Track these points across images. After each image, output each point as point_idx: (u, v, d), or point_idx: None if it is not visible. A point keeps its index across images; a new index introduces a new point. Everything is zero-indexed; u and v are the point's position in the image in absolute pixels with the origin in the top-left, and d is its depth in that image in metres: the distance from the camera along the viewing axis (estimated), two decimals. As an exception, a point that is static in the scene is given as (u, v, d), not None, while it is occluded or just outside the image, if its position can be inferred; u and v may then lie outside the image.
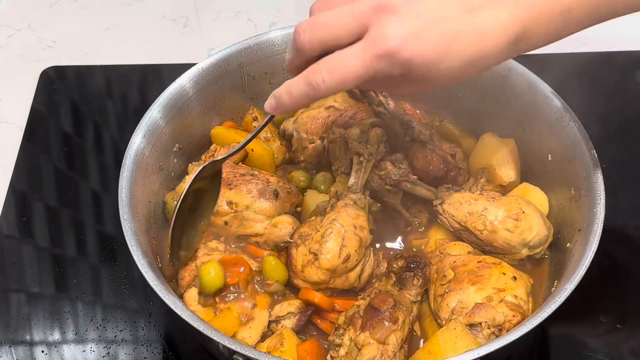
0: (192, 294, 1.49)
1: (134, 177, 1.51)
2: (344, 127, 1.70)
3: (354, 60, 1.13)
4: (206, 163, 1.46)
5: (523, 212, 1.51)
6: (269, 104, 1.25)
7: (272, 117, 1.34)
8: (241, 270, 1.49)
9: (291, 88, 1.20)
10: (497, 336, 1.38)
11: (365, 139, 1.64)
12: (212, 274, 1.46)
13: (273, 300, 1.50)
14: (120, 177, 1.49)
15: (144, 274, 1.35)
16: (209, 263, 1.49)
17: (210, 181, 1.49)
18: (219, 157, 1.48)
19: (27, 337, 1.61)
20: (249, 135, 1.42)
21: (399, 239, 1.63)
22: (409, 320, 1.42)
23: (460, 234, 1.58)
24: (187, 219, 1.48)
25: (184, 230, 1.49)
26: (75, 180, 1.90)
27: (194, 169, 1.67)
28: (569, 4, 1.20)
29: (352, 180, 1.60)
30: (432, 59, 1.13)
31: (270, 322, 1.47)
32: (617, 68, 2.08)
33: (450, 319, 1.41)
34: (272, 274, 1.50)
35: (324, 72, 1.15)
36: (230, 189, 1.58)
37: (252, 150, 1.69)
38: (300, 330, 1.48)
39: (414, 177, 1.63)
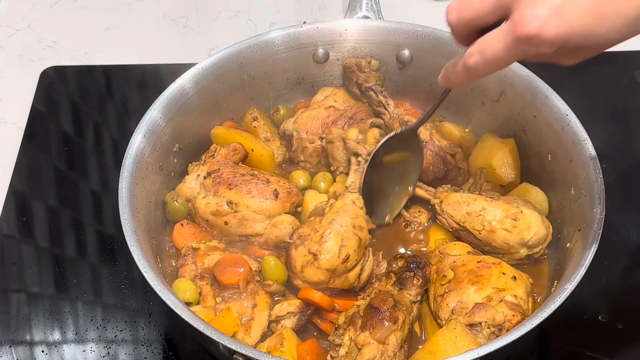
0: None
1: (134, 177, 1.51)
2: (342, 128, 1.70)
3: (499, 45, 1.14)
4: (391, 135, 1.58)
5: (521, 211, 1.51)
6: (441, 76, 1.30)
7: (447, 90, 1.43)
8: (241, 271, 1.49)
9: (455, 66, 1.25)
10: (497, 336, 1.38)
11: (364, 139, 1.64)
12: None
13: (273, 300, 1.50)
14: (120, 177, 1.49)
15: (144, 274, 1.35)
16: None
17: (402, 152, 1.60)
18: (400, 130, 1.59)
19: (27, 337, 1.61)
20: (431, 108, 1.50)
21: (399, 239, 1.63)
22: (409, 320, 1.42)
23: (459, 234, 1.58)
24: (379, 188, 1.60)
25: (375, 199, 1.59)
26: (75, 180, 1.90)
27: (194, 168, 1.67)
28: None
29: (350, 180, 1.60)
30: (585, 29, 1.10)
31: (270, 322, 1.47)
32: (617, 68, 2.07)
33: (450, 319, 1.41)
34: (272, 274, 1.50)
35: (476, 56, 1.17)
36: (230, 189, 1.58)
37: (252, 150, 1.69)
38: (300, 330, 1.48)
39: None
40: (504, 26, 1.14)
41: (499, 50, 1.14)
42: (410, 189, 1.64)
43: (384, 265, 1.54)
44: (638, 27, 1.13)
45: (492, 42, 1.15)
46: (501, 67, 1.18)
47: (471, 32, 1.20)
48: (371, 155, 1.58)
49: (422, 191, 1.63)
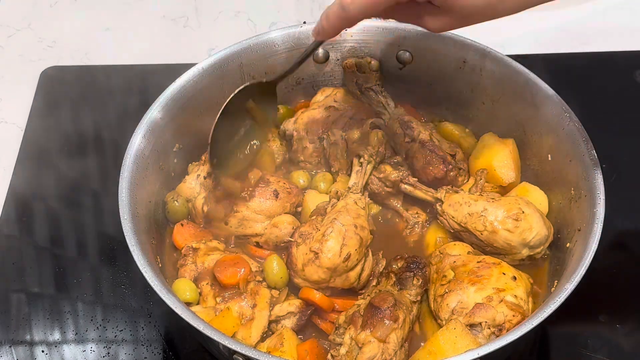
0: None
1: (134, 177, 1.51)
2: (344, 130, 1.70)
3: None
4: (250, 83, 1.54)
5: (523, 212, 1.51)
6: (314, 29, 1.33)
7: (319, 43, 1.45)
8: (241, 271, 1.49)
9: (328, 12, 1.28)
10: (497, 336, 1.38)
11: (366, 141, 1.64)
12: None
13: (273, 300, 1.49)
14: (120, 177, 1.49)
15: (144, 274, 1.35)
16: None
17: (256, 105, 1.57)
18: (266, 80, 1.56)
19: (27, 337, 1.61)
20: (298, 59, 1.51)
21: (399, 239, 1.63)
22: (409, 319, 1.42)
23: (460, 234, 1.58)
24: (228, 139, 1.56)
25: (223, 149, 1.55)
26: (75, 180, 1.90)
27: (194, 168, 1.67)
28: None
29: (352, 181, 1.60)
30: None
31: (270, 322, 1.47)
32: (617, 68, 2.08)
33: (450, 319, 1.41)
34: (273, 275, 1.49)
35: None
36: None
37: (252, 150, 1.69)
38: (300, 330, 1.48)
39: (414, 179, 1.64)
40: None
41: None
42: (255, 143, 1.62)
43: (383, 264, 1.54)
44: (498, 6, 1.17)
45: None
46: (375, 9, 1.19)
47: None
48: (227, 101, 1.53)
49: (421, 192, 1.63)
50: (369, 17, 1.23)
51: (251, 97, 1.55)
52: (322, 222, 1.50)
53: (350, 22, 1.24)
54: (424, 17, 1.21)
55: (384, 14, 1.26)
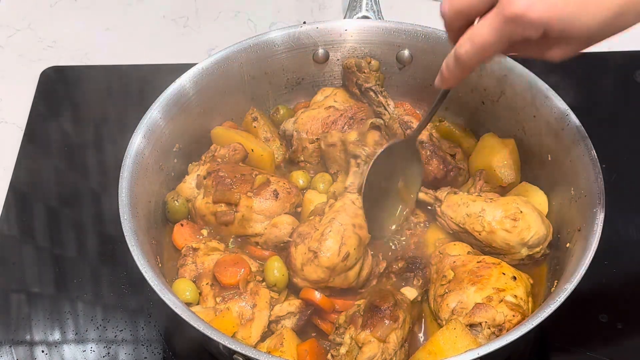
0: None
1: (134, 177, 1.51)
2: (343, 130, 1.70)
3: (487, 28, 1.16)
4: (392, 142, 1.58)
5: (521, 211, 1.51)
6: (437, 79, 1.31)
7: (446, 92, 1.43)
8: (241, 271, 1.49)
9: (447, 62, 1.26)
10: (497, 336, 1.38)
11: (363, 141, 1.64)
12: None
13: (273, 300, 1.49)
14: (120, 177, 1.49)
15: (144, 274, 1.35)
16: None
17: (400, 161, 1.59)
18: (400, 139, 1.60)
19: (27, 337, 1.61)
20: (429, 112, 1.50)
21: (399, 240, 1.63)
22: (410, 319, 1.42)
23: (459, 235, 1.58)
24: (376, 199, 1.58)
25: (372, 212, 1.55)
26: (75, 180, 1.90)
27: (194, 168, 1.67)
28: None
29: (349, 181, 1.60)
30: (568, 15, 1.12)
31: (270, 322, 1.47)
32: (617, 68, 2.07)
33: (450, 319, 1.41)
34: (273, 276, 1.49)
35: (466, 43, 1.19)
36: (230, 189, 1.58)
37: (252, 150, 1.69)
38: (300, 330, 1.48)
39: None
40: (493, 10, 1.16)
41: (487, 34, 1.16)
42: (412, 197, 1.62)
43: (383, 265, 1.54)
44: (616, 23, 1.15)
45: (481, 27, 1.18)
46: (490, 53, 1.19)
47: (463, 23, 1.21)
48: (369, 166, 1.56)
49: (421, 193, 1.63)
50: (484, 61, 1.23)
51: (395, 155, 1.58)
52: (321, 222, 1.50)
53: (468, 69, 1.25)
54: (544, 51, 1.20)
55: (499, 54, 1.25)
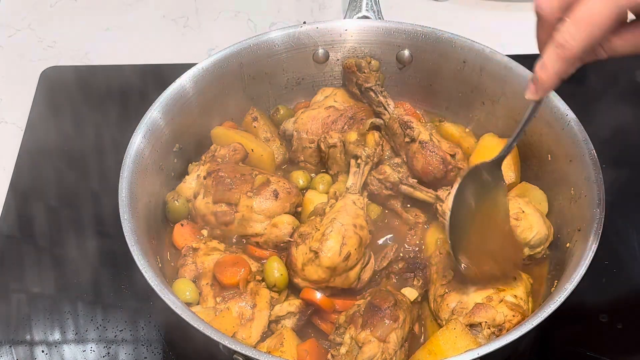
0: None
1: (134, 177, 1.51)
2: (343, 130, 1.70)
3: (598, 3, 1.06)
4: (475, 166, 1.40)
5: (523, 211, 1.51)
6: (528, 91, 1.18)
7: (539, 102, 1.25)
8: (241, 271, 1.49)
9: (543, 62, 1.14)
10: (497, 336, 1.38)
11: (363, 141, 1.64)
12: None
13: (273, 300, 1.49)
14: (120, 177, 1.49)
15: (144, 273, 1.35)
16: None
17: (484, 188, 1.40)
18: (487, 161, 1.40)
19: (27, 337, 1.61)
20: (519, 127, 1.32)
21: (398, 240, 1.63)
22: (410, 319, 1.42)
23: (460, 234, 1.58)
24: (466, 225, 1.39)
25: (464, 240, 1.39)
26: (75, 180, 1.90)
27: (194, 168, 1.67)
28: None
29: (350, 181, 1.60)
30: None
31: (270, 322, 1.47)
32: (617, 68, 2.07)
33: (450, 319, 1.41)
34: (273, 276, 1.49)
35: (569, 28, 1.08)
36: (230, 189, 1.58)
37: (252, 150, 1.69)
38: (300, 330, 1.48)
39: (413, 180, 1.64)
40: None
41: (598, 8, 1.05)
42: (506, 227, 1.43)
43: (384, 264, 1.54)
44: None
45: (590, 2, 1.06)
46: (598, 35, 1.07)
47: (560, 15, 1.10)
48: (455, 191, 1.39)
49: (421, 193, 1.63)
50: (591, 49, 1.09)
51: (479, 178, 1.41)
52: (322, 222, 1.50)
53: (573, 61, 1.09)
54: None
55: (608, 49, 1.13)
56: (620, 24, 1.09)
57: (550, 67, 1.13)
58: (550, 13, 1.12)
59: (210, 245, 1.56)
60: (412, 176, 1.65)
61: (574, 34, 1.08)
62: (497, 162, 1.42)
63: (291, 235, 1.53)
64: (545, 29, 1.14)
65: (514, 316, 1.40)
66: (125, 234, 1.41)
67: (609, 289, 1.66)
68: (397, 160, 1.68)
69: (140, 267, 1.36)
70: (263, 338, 1.46)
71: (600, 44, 1.12)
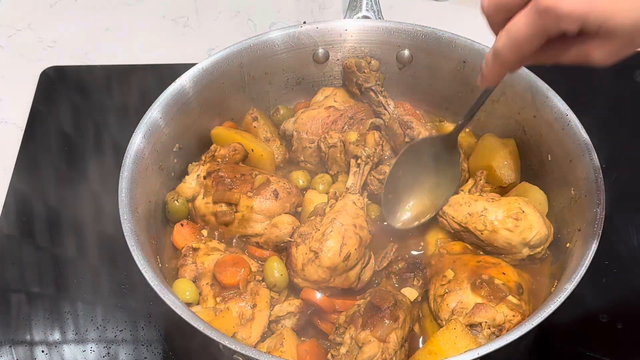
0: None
1: (134, 177, 1.51)
2: (343, 130, 1.70)
3: (522, 20, 1.14)
4: (427, 137, 1.59)
5: (523, 211, 1.51)
6: (478, 78, 1.29)
7: (488, 91, 1.42)
8: (241, 271, 1.49)
9: (486, 59, 1.24)
10: (497, 336, 1.38)
11: (363, 142, 1.64)
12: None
13: (273, 300, 1.49)
14: (120, 177, 1.49)
15: (144, 274, 1.35)
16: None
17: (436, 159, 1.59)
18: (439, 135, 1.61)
19: (27, 337, 1.61)
20: (470, 111, 1.49)
21: (398, 240, 1.63)
22: (410, 319, 1.42)
23: (460, 235, 1.58)
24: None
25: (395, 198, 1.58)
26: (75, 180, 1.90)
27: (194, 168, 1.67)
28: None
29: (350, 182, 1.60)
30: (605, 6, 1.08)
31: (270, 322, 1.47)
32: (617, 68, 2.07)
33: (450, 319, 1.41)
34: (273, 277, 1.49)
35: (503, 37, 1.17)
36: (230, 189, 1.58)
37: (252, 150, 1.69)
38: (300, 331, 1.48)
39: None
40: (529, 4, 1.14)
41: (523, 27, 1.14)
42: (439, 203, 1.59)
43: (384, 264, 1.54)
44: None
45: (517, 20, 1.15)
46: (526, 48, 1.16)
47: (503, 18, 1.19)
48: (405, 148, 1.58)
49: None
50: (524, 59, 1.19)
51: (427, 152, 1.59)
52: (322, 222, 1.50)
53: (506, 65, 1.21)
54: (586, 52, 1.15)
55: (541, 57, 1.21)
56: (561, 37, 1.16)
57: (490, 65, 1.23)
58: (489, 15, 1.22)
59: (210, 245, 1.56)
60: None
61: (505, 44, 1.18)
62: (452, 136, 1.57)
63: (291, 235, 1.53)
64: (492, 27, 1.23)
65: (514, 316, 1.40)
66: (125, 234, 1.41)
67: (609, 289, 1.66)
68: (397, 161, 1.68)
69: (140, 267, 1.36)
70: (263, 338, 1.46)
71: (541, 51, 1.19)
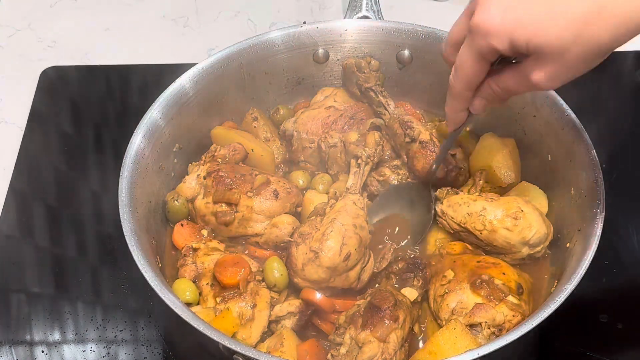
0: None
1: (134, 177, 1.51)
2: (343, 130, 1.70)
3: (463, 47, 1.20)
4: (399, 183, 1.64)
5: (522, 210, 1.51)
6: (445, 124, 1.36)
7: (456, 131, 1.45)
8: (241, 271, 1.49)
9: (447, 99, 1.32)
10: (497, 336, 1.38)
11: (363, 142, 1.64)
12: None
13: (273, 300, 1.49)
14: (120, 177, 1.49)
15: (144, 274, 1.35)
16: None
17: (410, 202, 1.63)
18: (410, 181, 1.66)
19: (27, 337, 1.61)
20: (443, 147, 1.57)
21: (399, 241, 1.63)
22: (410, 319, 1.42)
23: (460, 235, 1.58)
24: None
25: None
26: (75, 180, 1.90)
27: (194, 168, 1.67)
28: None
29: (350, 182, 1.60)
30: (533, 23, 1.10)
31: (270, 322, 1.47)
32: (617, 68, 2.07)
33: (450, 319, 1.41)
34: (273, 277, 1.49)
35: (452, 70, 1.25)
36: (230, 189, 1.58)
37: (252, 150, 1.69)
38: (300, 331, 1.48)
39: (413, 182, 1.64)
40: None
41: (463, 52, 1.20)
42: (403, 243, 1.60)
43: (384, 264, 1.54)
44: (585, 35, 1.10)
45: (460, 50, 1.22)
46: (470, 72, 1.21)
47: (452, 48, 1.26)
48: (380, 195, 1.62)
49: (421, 192, 1.63)
50: (471, 87, 1.25)
51: (405, 195, 1.63)
52: (322, 222, 1.50)
53: (460, 100, 1.27)
54: (526, 75, 1.16)
55: (493, 86, 1.25)
56: (505, 64, 1.21)
57: (449, 104, 1.32)
58: (446, 57, 1.31)
59: (210, 245, 1.56)
60: (412, 176, 1.65)
61: (454, 75, 1.25)
62: (424, 183, 1.62)
63: (291, 235, 1.53)
64: (451, 63, 1.29)
65: (514, 316, 1.40)
66: (125, 234, 1.41)
67: (609, 289, 1.66)
68: (397, 162, 1.68)
69: (140, 267, 1.36)
70: (263, 338, 1.46)
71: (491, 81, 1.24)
